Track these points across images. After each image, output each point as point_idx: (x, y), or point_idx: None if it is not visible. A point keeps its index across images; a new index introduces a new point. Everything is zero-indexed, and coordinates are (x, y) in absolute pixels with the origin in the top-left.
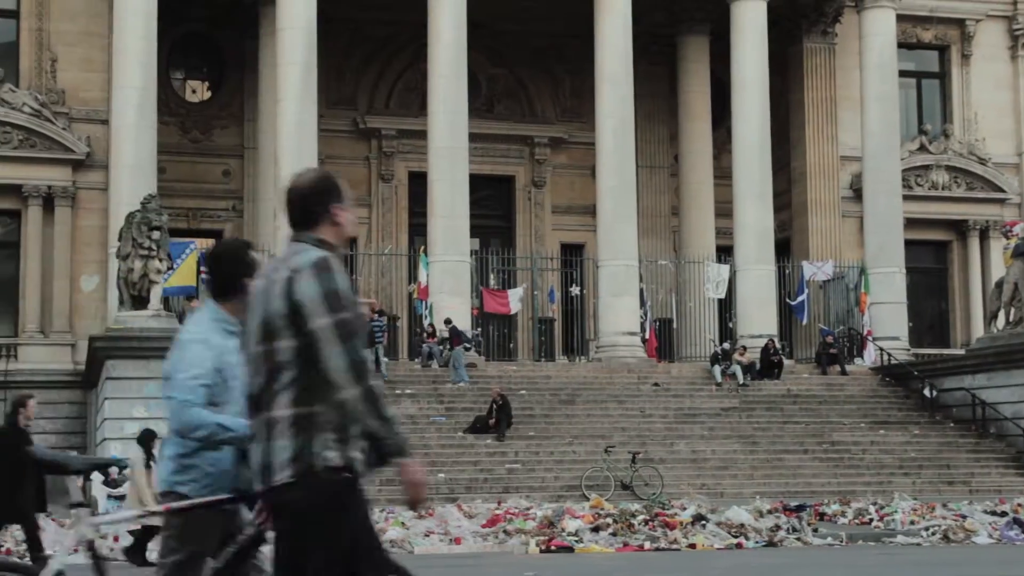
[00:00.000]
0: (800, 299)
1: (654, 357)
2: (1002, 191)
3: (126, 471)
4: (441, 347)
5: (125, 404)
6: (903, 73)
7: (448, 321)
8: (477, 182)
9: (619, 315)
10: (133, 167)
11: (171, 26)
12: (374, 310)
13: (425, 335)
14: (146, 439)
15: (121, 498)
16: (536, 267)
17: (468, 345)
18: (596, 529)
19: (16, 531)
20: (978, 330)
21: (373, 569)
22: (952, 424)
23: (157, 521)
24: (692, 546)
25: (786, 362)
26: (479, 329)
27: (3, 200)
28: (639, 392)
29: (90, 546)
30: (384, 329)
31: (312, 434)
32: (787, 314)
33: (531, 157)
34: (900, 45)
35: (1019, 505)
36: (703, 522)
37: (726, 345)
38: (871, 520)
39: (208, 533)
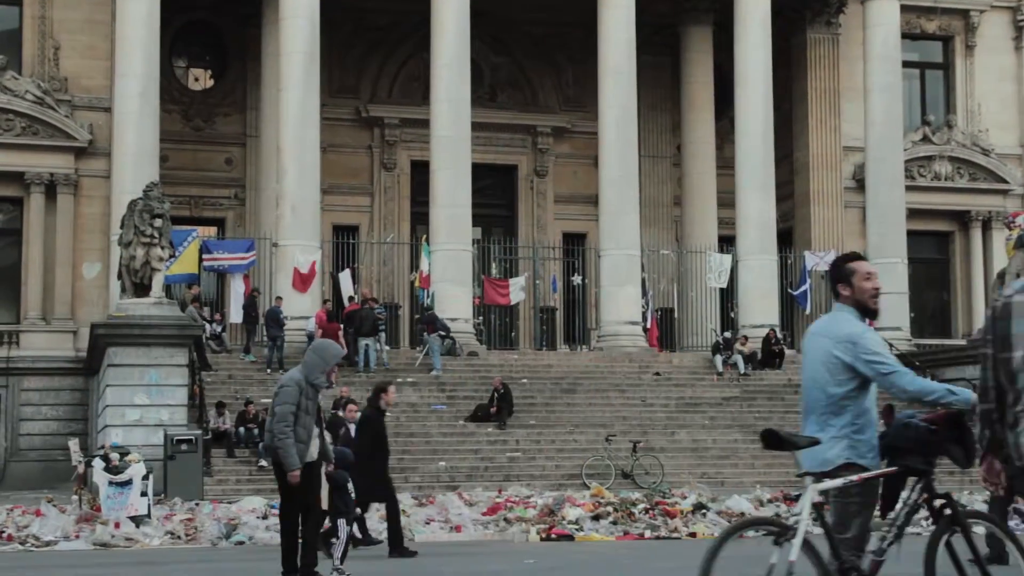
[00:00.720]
0: (803, 288)
1: (655, 346)
2: (1005, 182)
3: (128, 457)
4: (422, 334)
5: (126, 391)
6: (907, 64)
7: (428, 308)
8: (479, 171)
9: (621, 304)
10: (135, 155)
11: (174, 14)
12: (369, 299)
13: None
14: None
15: (124, 484)
16: (538, 256)
17: (443, 333)
18: (597, 518)
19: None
20: (980, 321)
21: None
22: None
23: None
24: (692, 535)
25: (787, 352)
26: (481, 318)
27: (5, 187)
28: (640, 381)
29: (818, 510)
30: (384, 318)
31: None
32: (789, 304)
33: (534, 146)
34: (904, 36)
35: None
36: (703, 511)
37: (727, 335)
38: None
39: (874, 504)
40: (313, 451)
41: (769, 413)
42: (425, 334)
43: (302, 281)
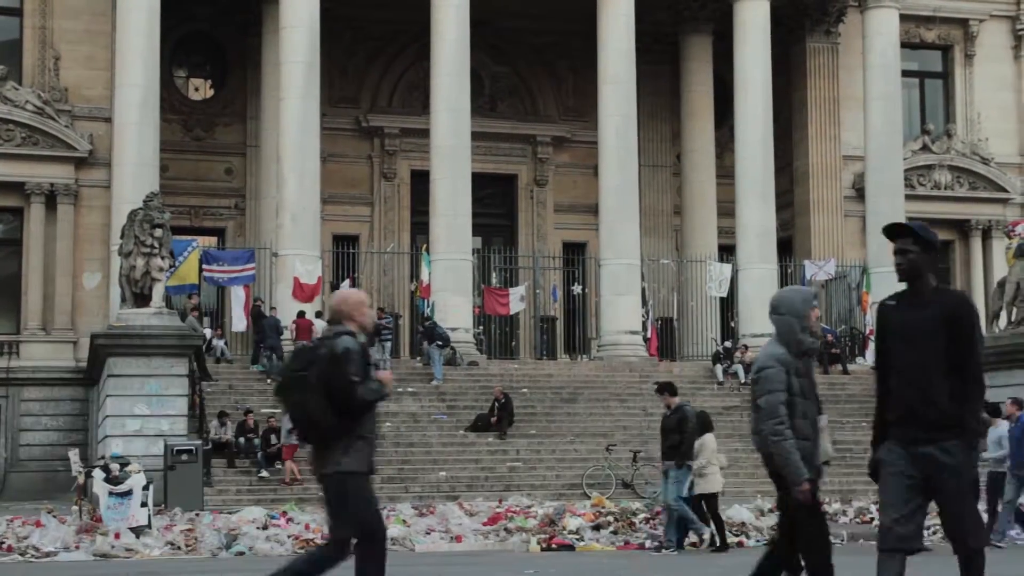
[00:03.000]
0: None
1: (656, 356)
2: (1005, 191)
3: (128, 467)
4: (422, 344)
5: (127, 401)
6: (906, 73)
7: (427, 319)
8: (479, 180)
9: (621, 314)
10: (136, 165)
11: (174, 24)
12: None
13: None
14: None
15: (124, 495)
16: (538, 266)
17: (442, 343)
18: (597, 527)
19: None
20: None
21: None
22: None
23: None
24: (693, 545)
25: None
26: (481, 328)
27: (6, 198)
28: (641, 391)
29: None
30: (391, 328)
31: None
32: None
33: (534, 156)
34: (903, 45)
35: (1020, 504)
36: None
37: (728, 344)
38: (872, 519)
39: None
40: (828, 448)
41: None
42: (424, 344)
43: (302, 291)
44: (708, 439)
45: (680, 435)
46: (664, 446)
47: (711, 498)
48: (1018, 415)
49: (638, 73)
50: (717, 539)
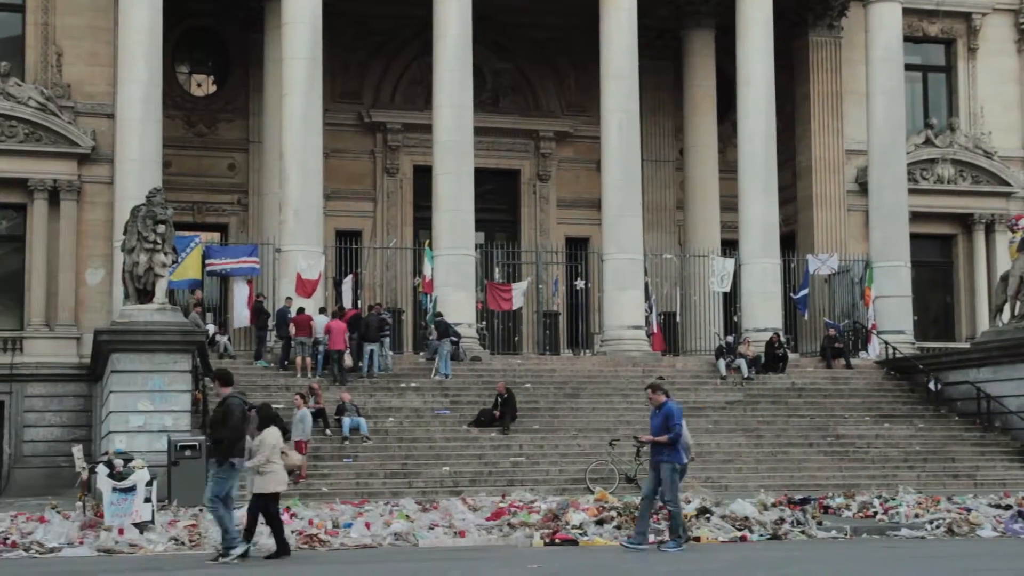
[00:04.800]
0: (802, 293)
1: (659, 351)
2: (1008, 185)
3: (132, 463)
4: (429, 340)
5: (130, 397)
6: (909, 67)
7: (438, 315)
8: (482, 176)
9: (624, 309)
10: (138, 161)
11: (176, 20)
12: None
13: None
14: None
15: (127, 491)
16: (541, 261)
17: (455, 340)
18: (600, 522)
19: None
20: (983, 324)
21: None
22: (957, 417)
23: None
24: (696, 539)
25: (791, 356)
26: (484, 323)
27: (9, 194)
28: (644, 386)
29: None
30: (390, 324)
31: None
32: (792, 308)
33: (536, 151)
34: (906, 39)
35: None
36: (707, 515)
37: (731, 339)
38: (875, 513)
39: None
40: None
41: (772, 417)
42: (432, 339)
43: (304, 286)
44: (269, 434)
45: (224, 430)
46: (210, 442)
47: (270, 498)
48: None
49: (640, 68)
50: (275, 545)
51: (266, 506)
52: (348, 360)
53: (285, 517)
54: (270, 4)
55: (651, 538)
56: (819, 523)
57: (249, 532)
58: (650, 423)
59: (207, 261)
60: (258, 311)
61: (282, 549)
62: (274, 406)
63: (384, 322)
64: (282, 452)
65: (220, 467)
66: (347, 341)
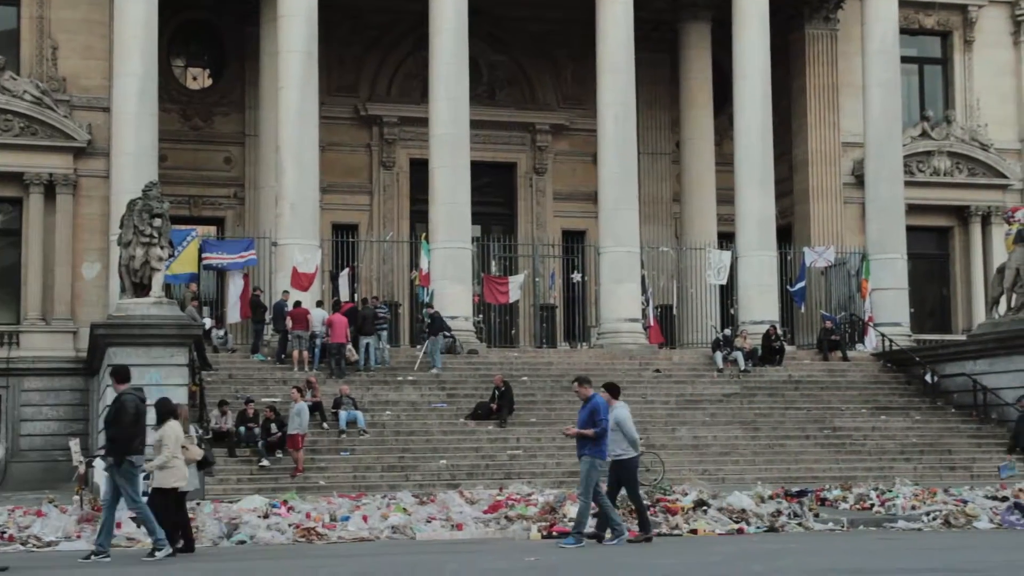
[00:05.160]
0: (799, 286)
1: (655, 343)
2: (1004, 177)
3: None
4: (424, 333)
5: None
6: (905, 59)
7: (430, 306)
8: (478, 169)
9: (620, 302)
10: (134, 154)
11: (172, 13)
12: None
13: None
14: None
15: None
16: (537, 254)
17: (448, 334)
18: (597, 515)
19: None
20: (980, 316)
21: None
22: (953, 410)
23: None
24: (693, 532)
25: (787, 348)
26: (480, 316)
27: (4, 188)
28: (640, 378)
29: None
30: (387, 317)
31: None
32: (788, 300)
33: (532, 144)
34: (902, 31)
35: (1020, 490)
36: (704, 508)
37: (727, 331)
38: (872, 505)
39: None
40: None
41: (770, 409)
42: (426, 333)
43: (299, 280)
44: (170, 428)
45: (116, 428)
46: (105, 440)
47: (175, 495)
48: None
49: (637, 61)
50: (182, 542)
51: (166, 502)
52: (352, 354)
53: (283, 511)
54: None
55: (631, 529)
56: (816, 515)
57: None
58: (578, 416)
59: (204, 255)
60: (255, 305)
61: (187, 547)
62: (271, 400)
63: (378, 315)
64: (183, 447)
65: (119, 468)
66: (348, 335)
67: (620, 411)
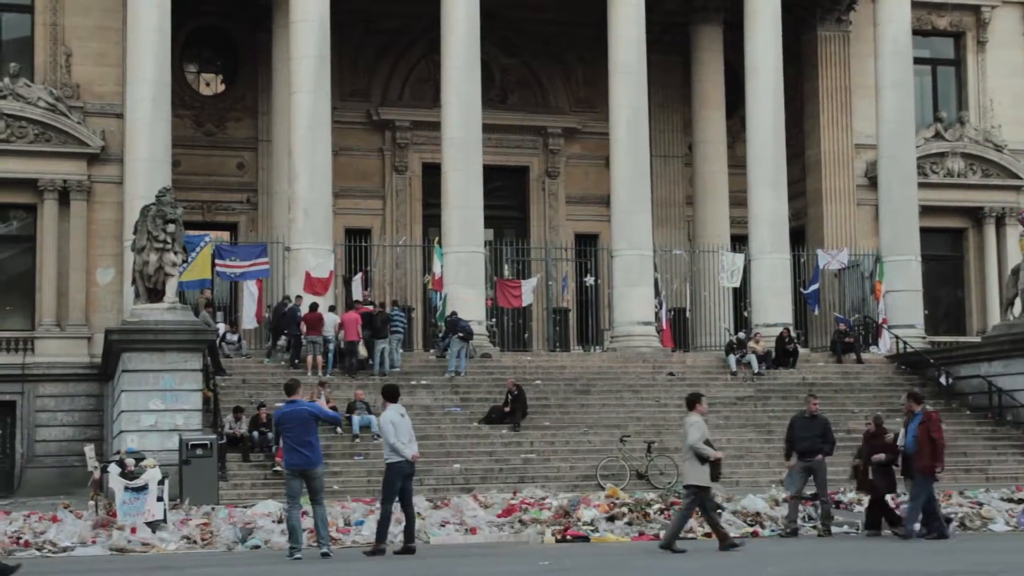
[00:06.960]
0: (813, 288)
1: (669, 346)
2: (1018, 178)
3: (143, 462)
4: (439, 337)
5: (141, 396)
6: (918, 60)
7: (453, 313)
8: (491, 173)
9: (634, 305)
10: (148, 160)
11: (184, 19)
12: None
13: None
14: None
15: (139, 490)
16: (550, 257)
17: (463, 335)
18: (612, 519)
19: None
20: (994, 317)
21: None
22: (968, 412)
23: None
24: (708, 535)
25: (801, 351)
26: (494, 320)
27: (19, 194)
28: (654, 382)
29: None
30: (404, 322)
31: None
32: (802, 303)
33: (545, 147)
34: (915, 32)
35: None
36: (719, 511)
37: (741, 334)
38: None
39: None
40: None
41: (783, 412)
42: (447, 336)
43: (313, 285)
44: None
45: None
46: None
47: None
48: None
49: (649, 63)
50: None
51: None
52: (362, 351)
53: None
54: (278, 3)
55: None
56: (830, 518)
57: None
58: None
59: (217, 262)
60: (282, 315)
61: None
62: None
63: (393, 319)
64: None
65: None
66: (360, 332)
67: (385, 414)
